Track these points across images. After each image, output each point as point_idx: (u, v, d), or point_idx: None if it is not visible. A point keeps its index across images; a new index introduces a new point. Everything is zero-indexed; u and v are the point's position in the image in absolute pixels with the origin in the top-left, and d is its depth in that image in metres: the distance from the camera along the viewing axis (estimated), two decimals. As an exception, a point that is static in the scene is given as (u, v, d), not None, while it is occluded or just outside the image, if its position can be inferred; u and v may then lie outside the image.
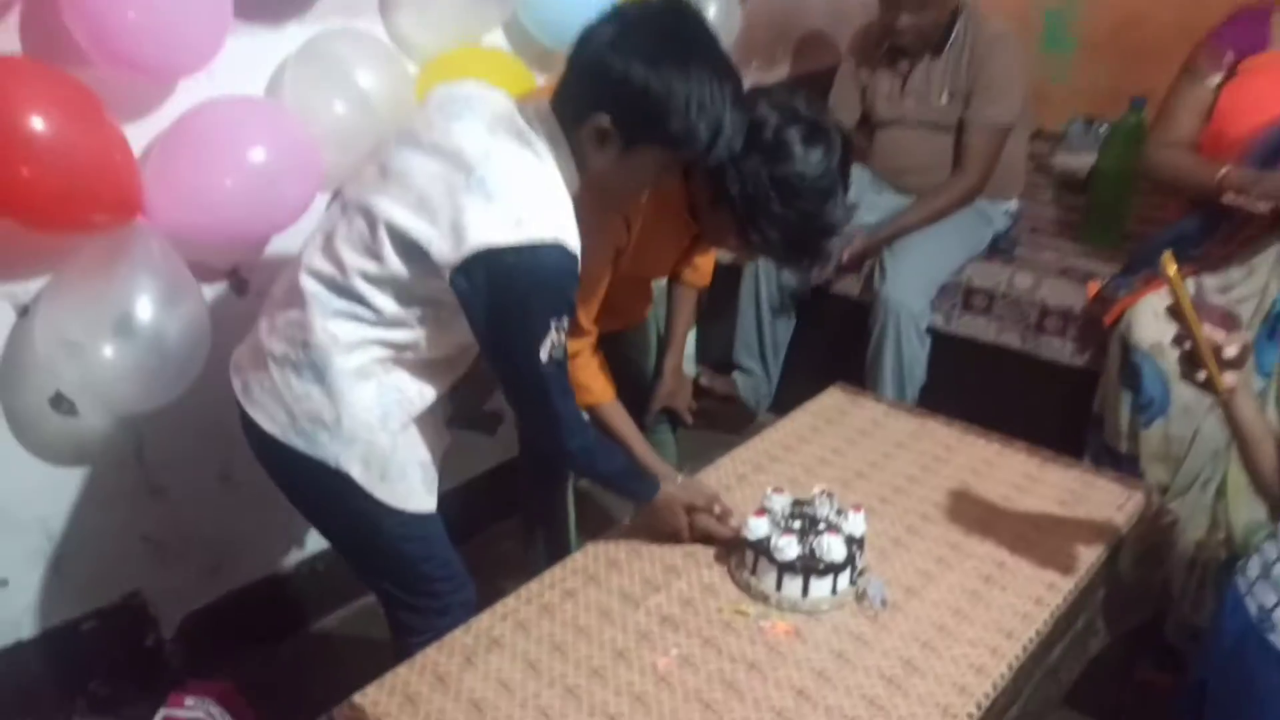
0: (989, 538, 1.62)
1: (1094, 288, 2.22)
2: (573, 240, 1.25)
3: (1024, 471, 1.81)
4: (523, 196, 1.23)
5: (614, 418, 1.63)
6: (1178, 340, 1.22)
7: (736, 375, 2.74)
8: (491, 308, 1.24)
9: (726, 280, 2.80)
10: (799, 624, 1.43)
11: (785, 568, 1.46)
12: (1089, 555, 1.58)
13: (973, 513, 1.69)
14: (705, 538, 1.58)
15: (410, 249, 1.25)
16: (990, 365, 2.45)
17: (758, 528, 1.49)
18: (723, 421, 2.80)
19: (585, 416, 1.61)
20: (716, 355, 2.89)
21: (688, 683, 1.33)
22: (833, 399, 2.08)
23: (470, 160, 1.23)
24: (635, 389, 2.00)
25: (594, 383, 1.63)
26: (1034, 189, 2.85)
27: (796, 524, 1.52)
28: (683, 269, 1.91)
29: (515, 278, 1.21)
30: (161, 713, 1.72)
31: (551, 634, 1.42)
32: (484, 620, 1.45)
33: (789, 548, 1.45)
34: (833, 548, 1.45)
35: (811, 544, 1.47)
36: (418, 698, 1.31)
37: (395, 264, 1.26)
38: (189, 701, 1.75)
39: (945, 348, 2.45)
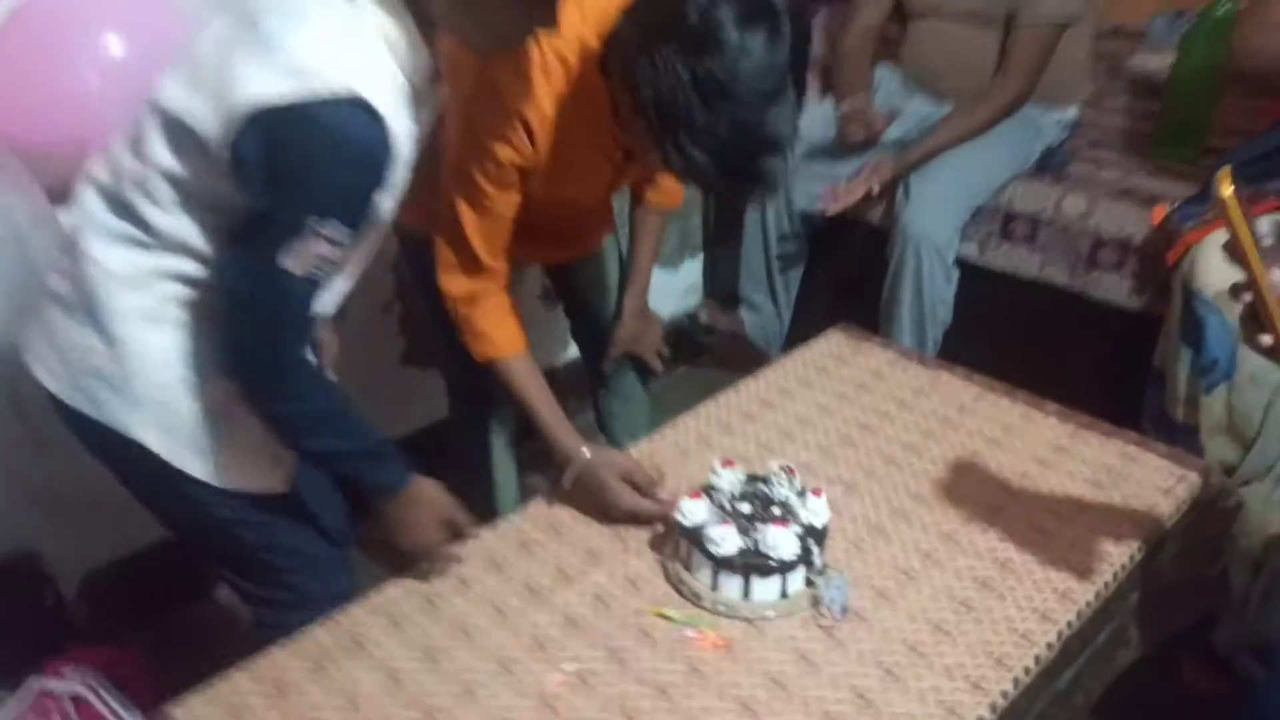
0: (995, 527, 1.30)
1: (1160, 212, 1.83)
2: (382, 99, 0.94)
3: (1052, 441, 1.47)
4: (309, 42, 0.92)
5: (517, 376, 1.33)
6: (1235, 291, 0.87)
7: (743, 311, 2.42)
8: (265, 188, 0.93)
9: (723, 204, 2.46)
10: (735, 635, 1.14)
11: (722, 564, 1.17)
12: (1120, 553, 1.25)
13: (979, 494, 1.36)
14: (633, 517, 1.30)
15: (176, 131, 0.97)
16: (1030, 306, 2.08)
17: (693, 512, 1.20)
18: (731, 360, 2.49)
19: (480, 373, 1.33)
20: (724, 289, 2.56)
21: (577, 711, 1.06)
22: (833, 343, 1.76)
23: (257, 10, 0.94)
24: (592, 332, 1.71)
25: (496, 331, 1.33)
26: (1102, 96, 2.40)
27: (745, 508, 1.22)
28: (643, 188, 1.58)
29: (292, 145, 0.91)
30: (35, 683, 1.53)
31: (429, 636, 1.16)
32: (352, 615, 1.19)
33: (726, 540, 1.16)
34: (779, 543, 1.15)
35: (756, 536, 1.17)
36: (244, 713, 1.07)
37: (164, 158, 0.97)
38: (67, 671, 1.55)
39: (976, 284, 2.08)
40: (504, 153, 1.18)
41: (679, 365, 2.74)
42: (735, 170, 1.04)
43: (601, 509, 1.31)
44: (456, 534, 1.23)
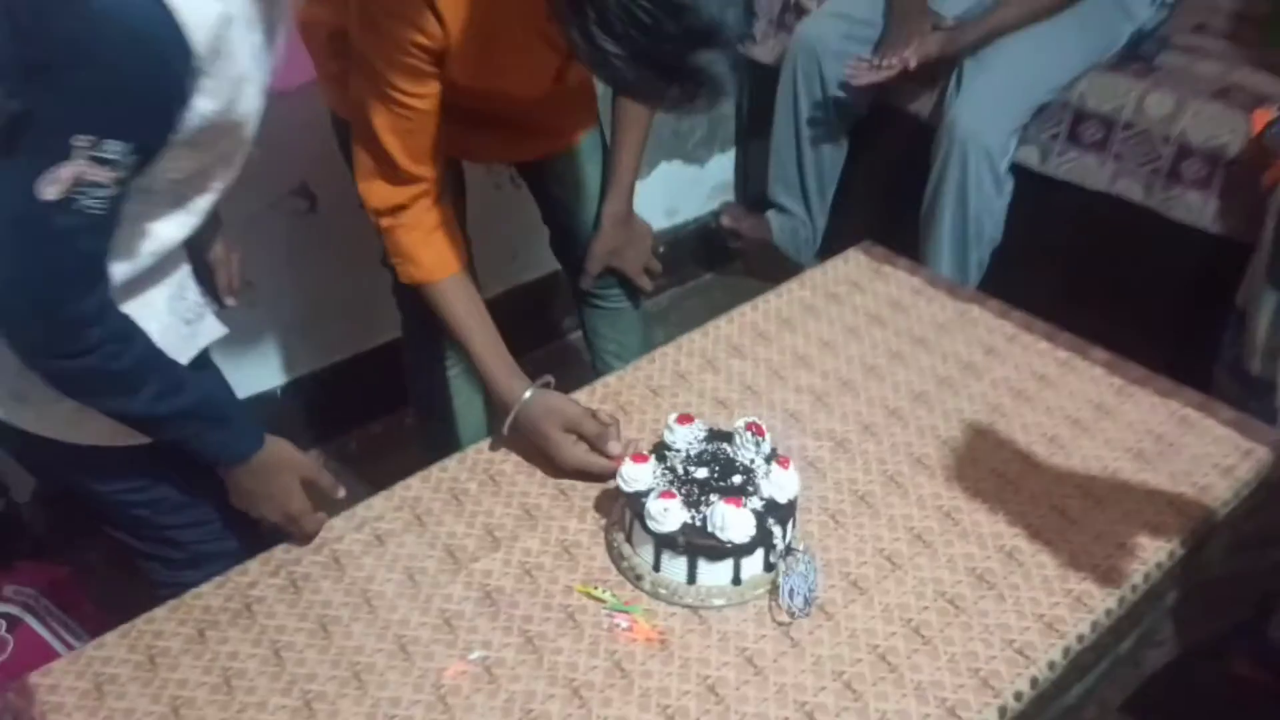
0: (1006, 506, 1.09)
1: (1262, 118, 1.51)
2: None
3: (1094, 398, 1.24)
4: None
5: (448, 302, 1.14)
6: None
7: (771, 215, 2.17)
8: (16, 88, 0.76)
9: (760, 90, 2.18)
10: (674, 626, 0.97)
11: (664, 542, 0.99)
12: (1156, 548, 1.03)
13: (994, 462, 1.15)
14: (579, 471, 1.12)
15: None
16: (1095, 226, 1.79)
17: (635, 478, 1.02)
18: (762, 268, 2.26)
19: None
20: (754, 189, 2.31)
21: (472, 710, 0.90)
22: (852, 264, 1.52)
23: None
24: (569, 242, 1.50)
25: (423, 250, 1.13)
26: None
27: (701, 473, 1.03)
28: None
29: (40, 34, 0.73)
30: (-30, 601, 1.46)
31: (327, 604, 1.01)
32: (248, 574, 1.05)
33: (668, 514, 0.97)
34: (729, 522, 0.96)
35: (705, 511, 0.99)
36: (108, 687, 0.94)
37: None
38: (8, 590, 1.48)
39: (1034, 196, 1.79)
40: (407, 35, 0.96)
41: (706, 273, 2.52)
42: (657, 64, 0.80)
43: (548, 459, 1.14)
44: (318, 496, 1.07)
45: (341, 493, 1.10)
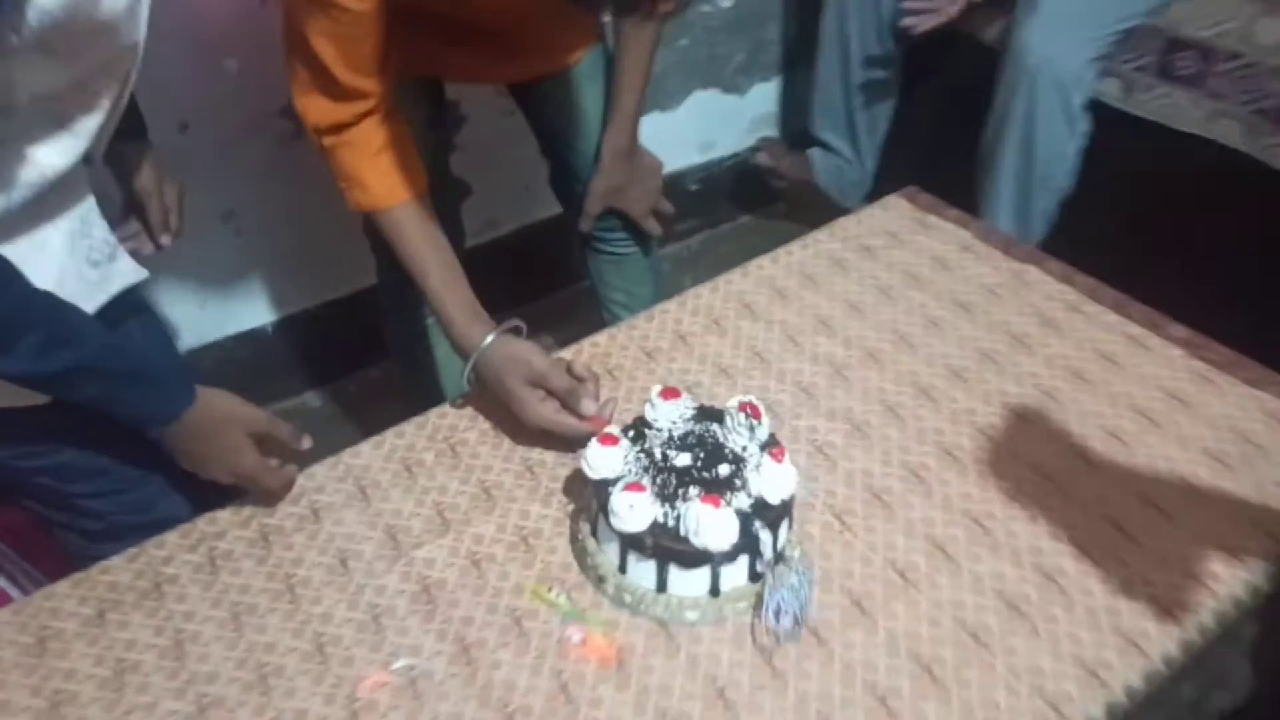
0: (1051, 515, 0.91)
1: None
2: None
3: (1169, 384, 1.04)
4: None
5: (400, 232, 0.98)
6: None
7: (814, 153, 1.96)
8: None
9: (807, 11, 1.95)
10: (636, 642, 0.82)
11: (630, 542, 0.83)
12: (1236, 578, 0.85)
13: (1041, 458, 0.97)
14: (547, 434, 0.97)
15: None
16: (1185, 176, 1.55)
17: (601, 463, 0.86)
18: (804, 211, 2.06)
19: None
20: (798, 123, 2.09)
21: (387, 736, 0.77)
22: (892, 213, 1.33)
23: None
24: (566, 178, 1.33)
25: (369, 174, 0.97)
26: None
27: (684, 459, 0.87)
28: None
29: None
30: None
31: (245, 589, 0.88)
32: (165, 547, 0.92)
33: (635, 511, 0.82)
34: (705, 526, 0.80)
35: (682, 508, 0.83)
36: (-14, 675, 0.83)
37: None
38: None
39: (1113, 138, 1.56)
40: None
41: (743, 215, 2.32)
42: None
43: (521, 417, 0.98)
44: (279, 450, 0.93)
45: (306, 443, 0.96)
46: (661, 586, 0.83)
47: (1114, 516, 0.90)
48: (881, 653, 0.80)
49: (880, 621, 0.82)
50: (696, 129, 2.09)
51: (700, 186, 2.14)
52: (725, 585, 0.83)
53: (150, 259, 1.04)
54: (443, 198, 1.12)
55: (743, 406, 0.89)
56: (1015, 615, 0.82)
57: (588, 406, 0.94)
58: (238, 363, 1.69)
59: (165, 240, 1.04)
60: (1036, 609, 0.83)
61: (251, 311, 1.74)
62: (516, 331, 1.00)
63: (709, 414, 0.92)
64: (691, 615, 0.83)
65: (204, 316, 1.67)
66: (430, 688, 0.79)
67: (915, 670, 0.79)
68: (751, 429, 0.88)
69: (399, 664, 0.81)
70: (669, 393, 0.91)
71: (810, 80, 1.95)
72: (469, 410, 1.05)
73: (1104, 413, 1.01)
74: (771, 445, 0.87)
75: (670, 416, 0.91)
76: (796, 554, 0.86)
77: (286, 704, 0.79)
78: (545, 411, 0.95)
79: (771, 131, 2.24)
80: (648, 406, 0.91)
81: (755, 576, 0.84)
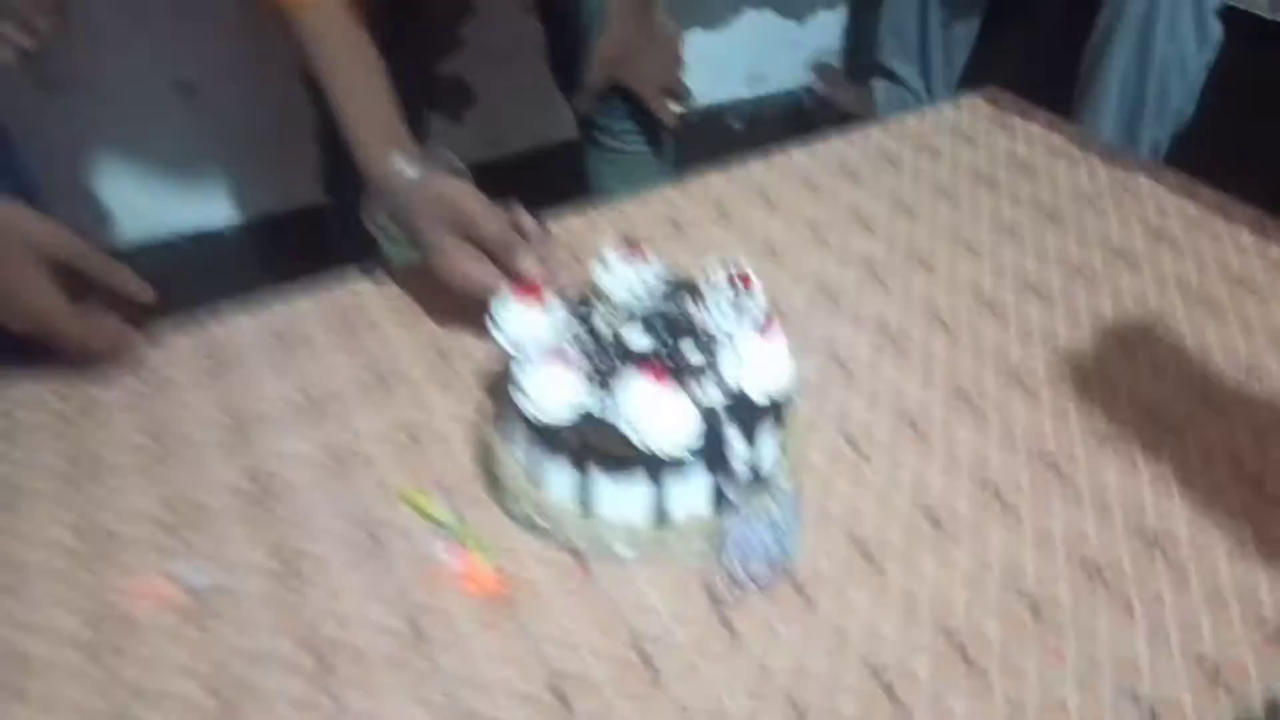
0: (1162, 465, 0.64)
1: None
2: None
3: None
4: None
5: (312, 35, 0.76)
6: None
7: (877, 84, 1.69)
8: None
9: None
10: (538, 578, 0.57)
11: (545, 439, 0.58)
12: None
13: (1143, 392, 0.70)
14: (467, 294, 0.72)
15: None
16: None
17: (515, 322, 0.61)
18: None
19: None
20: (864, 60, 1.82)
21: (137, 663, 0.53)
22: (964, 113, 1.07)
23: None
24: (563, 46, 1.09)
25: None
26: None
27: (641, 343, 0.62)
28: None
29: None
30: None
31: (36, 471, 0.65)
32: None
33: (555, 392, 0.57)
34: (646, 411, 0.55)
35: (615, 396, 0.58)
36: None
37: None
38: None
39: (1250, 53, 1.26)
40: None
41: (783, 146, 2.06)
42: None
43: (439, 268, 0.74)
44: (80, 277, 0.69)
45: (145, 294, 0.72)
46: (585, 506, 0.58)
47: (1250, 473, 0.63)
48: (893, 621, 0.54)
49: (897, 580, 0.56)
50: (745, 56, 1.83)
51: (744, 125, 1.88)
52: (675, 510, 0.57)
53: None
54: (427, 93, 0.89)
55: (732, 276, 0.64)
56: (1099, 589, 0.56)
57: (525, 262, 0.69)
58: (191, 267, 1.48)
59: (25, 42, 0.83)
60: (1133, 584, 0.56)
61: (211, 210, 1.53)
62: (454, 171, 0.76)
63: (683, 287, 0.66)
64: (625, 548, 0.58)
65: (153, 206, 1.46)
66: (231, 611, 0.55)
67: (942, 649, 0.52)
68: (736, 303, 0.63)
69: (203, 579, 0.57)
70: (632, 247, 0.66)
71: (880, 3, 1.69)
72: (384, 279, 0.81)
73: (1236, 345, 0.74)
74: (767, 322, 0.61)
75: (631, 286, 0.66)
76: (784, 478, 0.60)
77: (32, 617, 0.55)
78: (467, 267, 0.70)
79: (834, 64, 1.97)
80: (598, 268, 0.66)
81: (721, 502, 0.58)
